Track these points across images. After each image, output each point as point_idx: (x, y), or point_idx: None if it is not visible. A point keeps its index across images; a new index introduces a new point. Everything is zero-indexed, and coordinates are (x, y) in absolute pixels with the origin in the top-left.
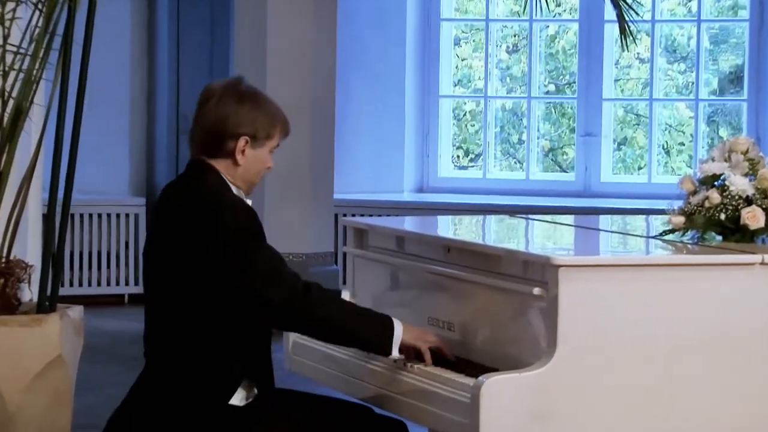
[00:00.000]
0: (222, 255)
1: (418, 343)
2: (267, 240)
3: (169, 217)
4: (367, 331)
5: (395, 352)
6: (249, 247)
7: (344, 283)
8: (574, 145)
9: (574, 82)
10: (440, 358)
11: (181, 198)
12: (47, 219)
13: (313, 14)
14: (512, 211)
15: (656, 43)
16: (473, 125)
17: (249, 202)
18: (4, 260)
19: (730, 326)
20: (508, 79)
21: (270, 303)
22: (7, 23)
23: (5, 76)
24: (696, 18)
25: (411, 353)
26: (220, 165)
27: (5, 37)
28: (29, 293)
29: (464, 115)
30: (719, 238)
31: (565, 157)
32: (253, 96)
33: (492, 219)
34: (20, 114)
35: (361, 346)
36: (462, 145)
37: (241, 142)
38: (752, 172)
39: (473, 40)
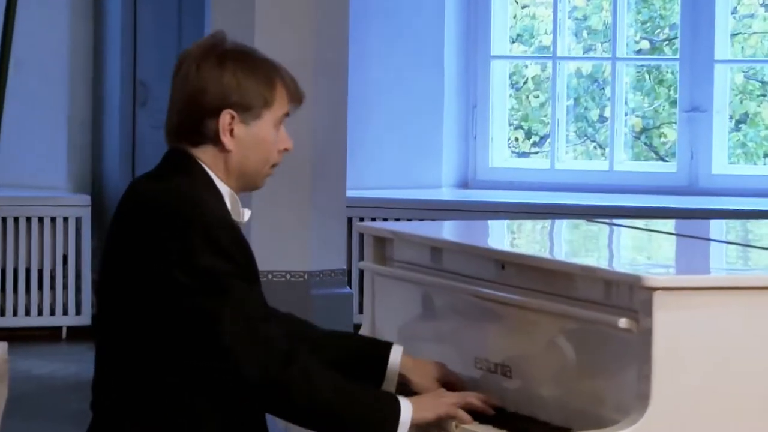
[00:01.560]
0: (185, 298)
1: (438, 411)
2: (256, 267)
3: (128, 226)
4: (361, 421)
5: None
6: (218, 289)
7: (360, 310)
8: (675, 123)
9: (676, 38)
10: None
11: (145, 200)
12: None
13: None
14: (591, 213)
15: None
16: (537, 96)
17: (247, 214)
18: None
19: None
20: (585, 34)
21: (237, 371)
22: None
23: None
24: None
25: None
26: (206, 156)
27: None
28: None
29: (525, 82)
30: None
31: (663, 140)
32: (238, 55)
33: (563, 225)
34: None
35: None
36: (522, 123)
37: (225, 118)
38: None
39: None
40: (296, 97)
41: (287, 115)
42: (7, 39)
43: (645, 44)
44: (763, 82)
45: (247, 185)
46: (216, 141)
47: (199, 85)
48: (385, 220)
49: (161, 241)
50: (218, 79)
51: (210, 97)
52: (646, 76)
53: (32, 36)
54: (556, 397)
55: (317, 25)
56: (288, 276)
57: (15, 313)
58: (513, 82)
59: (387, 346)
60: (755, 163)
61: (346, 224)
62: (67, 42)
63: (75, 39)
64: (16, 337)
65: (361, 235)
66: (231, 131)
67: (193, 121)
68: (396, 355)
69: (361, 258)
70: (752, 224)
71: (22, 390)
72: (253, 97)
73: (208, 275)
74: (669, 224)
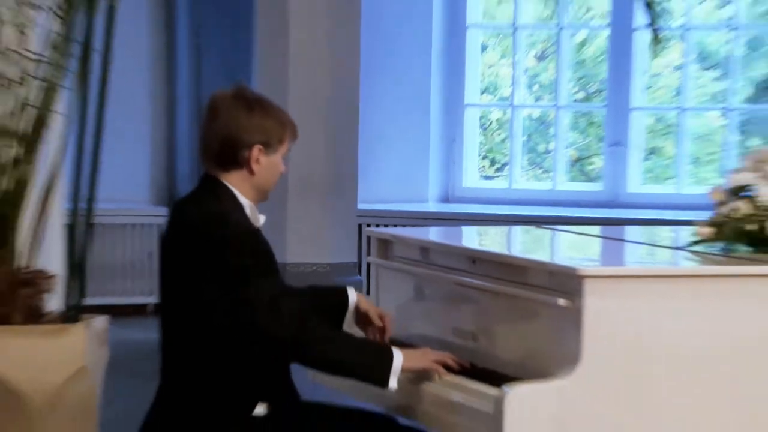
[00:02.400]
0: (222, 287)
1: (423, 364)
2: (277, 257)
3: (177, 238)
4: (364, 365)
5: (393, 384)
6: (247, 282)
7: (368, 293)
8: (602, 154)
9: (604, 90)
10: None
11: (189, 220)
12: (70, 228)
13: (336, 18)
14: (538, 221)
15: (689, 50)
16: (500, 134)
17: (262, 219)
18: (27, 270)
19: (762, 338)
20: (536, 87)
21: (270, 337)
22: (24, 29)
23: (25, 83)
24: (731, 24)
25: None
26: (234, 177)
27: (23, 44)
28: (53, 304)
29: (490, 123)
30: (750, 249)
31: (592, 166)
32: (261, 102)
33: (518, 230)
34: (41, 123)
35: (359, 378)
36: (488, 154)
37: (255, 150)
38: None
39: (501, 47)
40: (295, 136)
41: (289, 149)
42: (103, 90)
43: (581, 95)
44: (667, 124)
45: (261, 198)
46: (246, 166)
47: (234, 124)
48: (386, 226)
49: (205, 253)
50: (250, 120)
51: (244, 133)
52: (581, 119)
53: (121, 86)
54: (512, 356)
55: (336, 77)
56: (315, 267)
57: (113, 294)
58: (482, 123)
59: (344, 290)
60: (661, 184)
61: (357, 229)
62: (148, 90)
63: (154, 88)
64: (113, 311)
65: (369, 238)
66: (258, 160)
67: (230, 152)
68: (353, 294)
69: (369, 254)
70: (657, 230)
71: (116, 353)
72: (273, 137)
73: (241, 272)
74: (596, 230)
